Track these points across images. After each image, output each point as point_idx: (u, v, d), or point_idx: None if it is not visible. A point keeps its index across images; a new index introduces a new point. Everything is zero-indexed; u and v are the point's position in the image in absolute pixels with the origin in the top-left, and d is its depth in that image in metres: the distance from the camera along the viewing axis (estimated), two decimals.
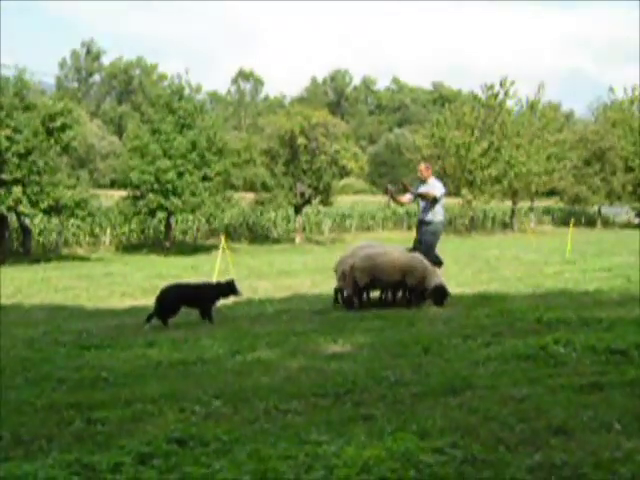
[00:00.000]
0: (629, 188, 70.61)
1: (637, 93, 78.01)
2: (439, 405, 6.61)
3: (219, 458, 5.29)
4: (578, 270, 21.13)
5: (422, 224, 15.68)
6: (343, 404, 6.84)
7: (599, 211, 74.46)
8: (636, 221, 75.07)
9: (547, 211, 76.64)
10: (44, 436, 6.14)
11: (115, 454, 5.41)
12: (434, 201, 15.42)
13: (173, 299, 13.54)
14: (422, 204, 15.72)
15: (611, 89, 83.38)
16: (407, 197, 16.04)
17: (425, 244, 15.39)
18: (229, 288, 13.89)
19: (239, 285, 14.19)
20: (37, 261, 39.79)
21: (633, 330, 9.64)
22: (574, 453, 5.18)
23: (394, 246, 17.39)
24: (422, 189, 15.69)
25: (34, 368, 9.37)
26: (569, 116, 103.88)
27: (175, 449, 5.52)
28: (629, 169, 70.72)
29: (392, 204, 18.51)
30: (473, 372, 7.90)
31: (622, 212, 77.80)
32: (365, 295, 15.03)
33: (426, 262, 14.44)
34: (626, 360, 8.07)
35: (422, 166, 16.32)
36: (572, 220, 46.44)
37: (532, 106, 69.50)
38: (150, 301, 16.65)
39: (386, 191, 16.75)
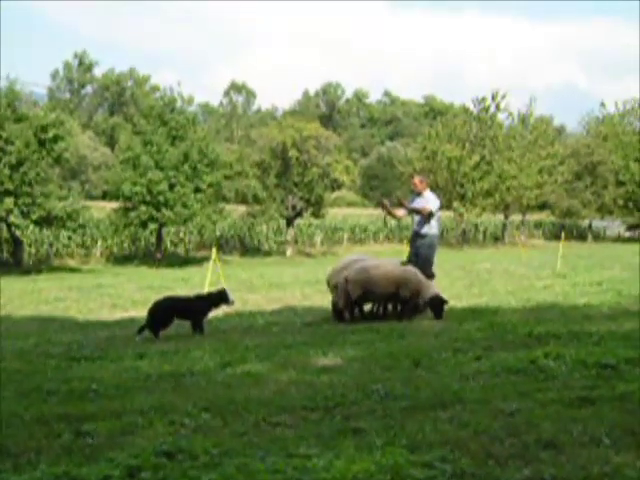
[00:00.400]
0: (620, 202, 70.86)
1: (628, 107, 78.34)
2: (429, 419, 6.59)
3: (208, 471, 5.26)
4: (569, 284, 21.14)
5: (417, 237, 15.54)
6: (333, 417, 6.83)
7: (590, 225, 74.66)
8: (627, 235, 75.33)
9: (538, 224, 76.92)
10: (33, 448, 6.11)
11: (103, 467, 5.38)
12: (430, 215, 15.32)
13: (165, 312, 13.52)
14: (417, 217, 15.53)
15: (602, 104, 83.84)
16: (402, 211, 15.90)
17: (421, 257, 15.25)
18: (220, 298, 13.86)
19: (231, 293, 14.16)
20: (28, 272, 39.79)
21: (623, 344, 9.64)
22: (564, 467, 5.17)
23: (387, 259, 17.43)
24: (417, 202, 15.58)
25: (23, 380, 9.33)
26: (561, 130, 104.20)
27: (164, 462, 5.49)
28: (620, 183, 70.96)
29: (387, 218, 18.59)
30: (463, 386, 7.88)
31: (613, 226, 78.04)
32: (358, 308, 15.02)
33: (420, 275, 14.43)
34: (616, 374, 8.07)
35: (416, 179, 16.16)
36: (563, 234, 46.54)
37: (524, 120, 69.76)
38: (141, 313, 16.65)
39: (381, 205, 16.56)
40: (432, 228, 15.43)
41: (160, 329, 13.38)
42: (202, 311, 13.69)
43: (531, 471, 5.12)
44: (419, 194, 15.75)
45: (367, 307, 15.48)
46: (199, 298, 14.19)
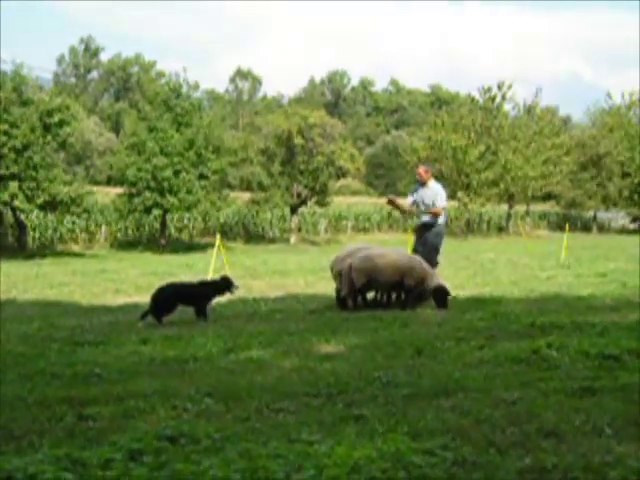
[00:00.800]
0: (625, 193, 70.78)
1: (635, 98, 78.13)
2: (431, 407, 6.61)
3: (210, 456, 5.28)
4: (573, 275, 21.16)
5: (424, 227, 15.47)
6: (335, 404, 6.84)
7: (595, 216, 74.54)
8: (632, 227, 75.21)
9: (543, 215, 76.77)
10: (35, 431, 6.13)
11: (106, 450, 5.39)
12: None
13: (169, 298, 13.55)
14: (423, 207, 15.45)
15: (608, 94, 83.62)
16: (409, 205, 15.83)
17: (428, 246, 15.26)
18: (225, 285, 13.89)
19: (234, 280, 14.19)
20: (32, 257, 39.80)
21: (626, 335, 9.65)
22: (565, 456, 5.18)
23: (392, 248, 17.44)
24: (423, 194, 15.49)
25: (27, 363, 9.35)
26: (566, 121, 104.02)
27: (166, 446, 5.51)
28: (625, 175, 70.86)
29: (393, 211, 18.59)
30: (466, 375, 7.90)
31: (618, 217, 77.92)
32: (361, 296, 15.02)
33: (425, 264, 14.41)
34: (619, 365, 8.08)
35: (421, 169, 16.03)
36: (567, 225, 46.50)
37: (529, 110, 69.59)
38: (144, 298, 16.65)
39: (388, 201, 16.51)
40: (440, 218, 15.44)
41: (163, 315, 13.40)
42: (206, 297, 13.71)
43: (532, 460, 5.13)
44: (424, 184, 15.66)
45: (370, 295, 15.47)
46: (203, 284, 14.21)
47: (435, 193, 15.44)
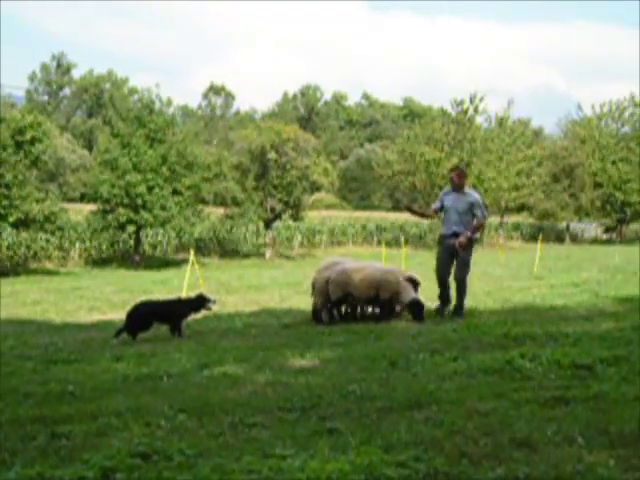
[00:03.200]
0: (597, 204, 71.33)
1: (605, 110, 78.82)
2: (404, 419, 6.62)
3: (182, 472, 5.27)
4: (546, 285, 21.26)
5: (456, 237, 14.19)
6: (309, 418, 6.84)
7: (568, 227, 75.02)
8: (604, 237, 75.78)
9: (516, 226, 77.20)
10: (7, 450, 6.09)
11: (78, 468, 5.37)
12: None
13: (144, 315, 13.52)
14: (456, 216, 14.25)
15: (579, 106, 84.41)
16: (432, 210, 15.13)
17: (461, 262, 14.29)
18: (200, 302, 13.86)
19: (211, 295, 14.19)
20: (5, 275, 39.57)
21: (598, 345, 9.72)
22: (537, 466, 5.21)
23: (369, 261, 17.42)
24: (457, 201, 14.18)
25: (0, 382, 9.30)
26: (538, 132, 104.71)
27: (139, 463, 5.49)
28: (597, 185, 71.48)
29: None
30: (439, 386, 7.92)
31: (590, 228, 78.50)
32: (336, 310, 15.02)
33: (399, 276, 14.40)
34: (591, 375, 8.13)
35: (454, 174, 14.72)
36: (541, 235, 46.79)
37: (501, 122, 69.99)
38: (118, 315, 16.62)
39: (409, 210, 15.98)
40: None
41: (138, 332, 13.37)
42: (181, 315, 13.67)
43: (504, 470, 5.16)
44: (458, 190, 14.37)
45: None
46: (178, 302, 14.17)
47: (472, 202, 14.22)
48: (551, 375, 8.20)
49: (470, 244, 14.29)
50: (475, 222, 14.25)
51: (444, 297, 14.78)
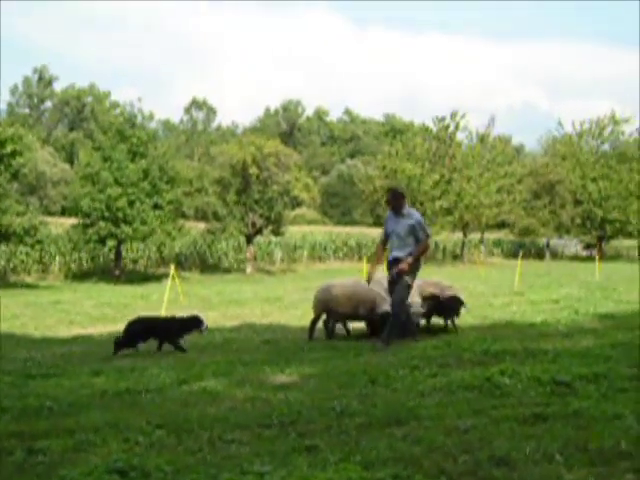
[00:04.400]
0: (577, 221, 71.67)
1: (585, 127, 79.34)
2: (384, 436, 6.60)
3: None
4: (526, 302, 21.30)
5: (398, 263, 13.00)
6: (288, 435, 6.82)
7: (548, 243, 75.31)
8: (584, 254, 76.09)
9: (497, 243, 77.51)
10: None
11: None
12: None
13: (141, 329, 13.52)
14: (397, 241, 13.07)
15: (560, 123, 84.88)
16: (380, 243, 13.66)
17: (405, 284, 12.94)
18: (193, 323, 13.80)
19: (205, 319, 14.12)
20: None
21: (578, 362, 9.73)
22: None
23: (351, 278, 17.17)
24: (396, 225, 13.07)
25: None
26: (519, 149, 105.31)
27: (116, 479, 5.47)
28: (577, 202, 71.88)
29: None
30: (419, 403, 7.91)
31: (570, 244, 78.86)
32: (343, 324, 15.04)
33: (375, 291, 14.29)
34: (570, 392, 8.13)
35: (389, 195, 13.72)
36: (521, 252, 46.93)
37: (482, 139, 70.31)
38: (98, 330, 16.58)
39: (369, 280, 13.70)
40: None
41: (136, 344, 13.51)
42: (175, 333, 13.63)
43: None
44: (396, 212, 13.22)
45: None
46: (173, 320, 14.11)
47: (413, 224, 13.00)
48: (530, 392, 8.20)
49: (414, 267, 13.01)
50: (418, 247, 13.00)
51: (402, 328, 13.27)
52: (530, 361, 10.08)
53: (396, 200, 13.29)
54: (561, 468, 5.52)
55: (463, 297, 15.40)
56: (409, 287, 13.08)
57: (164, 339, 13.71)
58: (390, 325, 12.90)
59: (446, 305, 14.99)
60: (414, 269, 13.05)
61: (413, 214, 13.27)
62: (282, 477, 5.31)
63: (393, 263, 13.04)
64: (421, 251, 13.14)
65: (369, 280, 13.59)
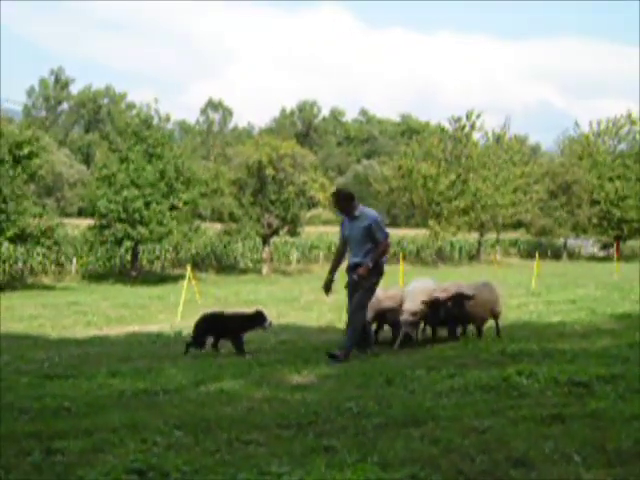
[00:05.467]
0: (594, 221, 71.36)
1: (602, 127, 79.06)
2: (401, 436, 6.59)
3: None
4: (543, 302, 21.27)
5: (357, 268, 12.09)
6: (305, 435, 6.81)
7: (565, 244, 75.05)
8: (601, 254, 75.81)
9: (513, 243, 77.27)
10: (2, 466, 6.04)
11: None
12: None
13: (210, 327, 13.50)
14: (353, 247, 12.23)
15: (576, 123, 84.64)
16: (338, 250, 12.80)
17: (366, 287, 12.04)
18: (257, 319, 13.54)
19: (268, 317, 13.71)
20: (2, 289, 39.49)
21: (595, 362, 9.70)
22: None
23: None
24: (351, 228, 12.19)
25: None
26: (535, 149, 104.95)
27: None
28: (594, 202, 71.56)
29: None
30: (436, 403, 7.90)
31: (587, 245, 78.56)
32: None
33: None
34: (588, 392, 8.11)
35: (336, 197, 12.69)
36: (538, 252, 46.81)
37: (499, 138, 70.10)
38: (115, 331, 16.61)
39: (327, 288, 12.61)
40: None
41: (205, 342, 13.43)
42: (240, 329, 13.47)
43: None
44: (348, 215, 12.24)
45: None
46: (239, 316, 13.95)
47: (367, 226, 12.00)
48: (548, 392, 8.18)
49: (376, 271, 12.03)
50: (377, 249, 12.01)
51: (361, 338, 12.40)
52: (547, 361, 10.06)
53: (344, 202, 12.28)
54: (579, 468, 5.50)
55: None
56: (371, 292, 12.15)
57: (226, 336, 13.45)
58: (349, 334, 12.04)
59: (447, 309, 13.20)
60: (376, 272, 12.04)
61: (368, 214, 12.14)
62: (300, 478, 5.31)
63: (353, 269, 12.15)
64: (380, 252, 12.03)
65: (327, 289, 12.55)
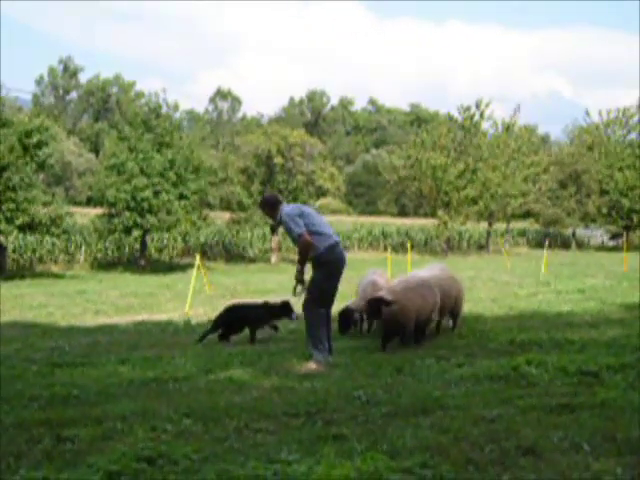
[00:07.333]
0: (604, 210, 71.13)
1: (612, 117, 78.81)
2: (410, 425, 6.59)
3: (188, 477, 5.27)
4: (552, 292, 21.21)
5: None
6: (314, 423, 6.82)
7: (574, 233, 74.90)
8: (610, 243, 75.64)
9: (522, 233, 77.09)
10: (13, 454, 6.08)
11: (83, 472, 5.37)
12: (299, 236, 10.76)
13: (236, 317, 13.45)
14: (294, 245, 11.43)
15: (587, 112, 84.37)
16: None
17: (314, 279, 11.18)
18: (283, 311, 13.44)
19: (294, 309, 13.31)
20: (11, 278, 39.59)
21: (604, 352, 9.70)
22: (543, 473, 5.19)
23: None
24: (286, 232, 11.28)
25: (5, 386, 9.28)
26: (545, 138, 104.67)
27: (144, 467, 5.48)
28: (603, 192, 71.29)
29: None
30: (445, 392, 7.90)
31: (597, 234, 78.39)
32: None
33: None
34: (597, 382, 8.10)
35: (262, 206, 11.84)
36: (547, 242, 46.74)
37: (508, 128, 69.85)
38: (124, 319, 16.63)
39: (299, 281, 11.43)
40: (319, 244, 10.92)
41: (230, 334, 13.39)
42: (264, 319, 13.48)
43: (510, 477, 5.15)
44: (275, 219, 11.34)
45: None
46: (265, 306, 13.72)
47: (286, 229, 11.16)
48: (557, 382, 8.18)
49: (319, 271, 11.06)
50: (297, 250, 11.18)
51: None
52: (557, 351, 10.07)
53: (268, 208, 11.44)
54: (589, 458, 5.50)
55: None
56: (317, 286, 11.00)
57: (253, 326, 13.32)
58: (308, 333, 10.91)
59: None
60: (318, 273, 11.05)
61: (282, 216, 11.01)
62: (309, 466, 5.31)
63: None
64: (300, 252, 10.99)
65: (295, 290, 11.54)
